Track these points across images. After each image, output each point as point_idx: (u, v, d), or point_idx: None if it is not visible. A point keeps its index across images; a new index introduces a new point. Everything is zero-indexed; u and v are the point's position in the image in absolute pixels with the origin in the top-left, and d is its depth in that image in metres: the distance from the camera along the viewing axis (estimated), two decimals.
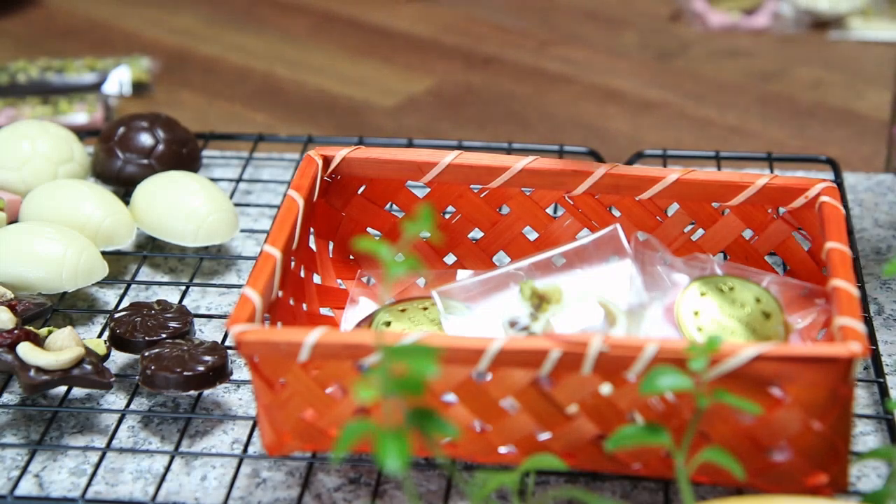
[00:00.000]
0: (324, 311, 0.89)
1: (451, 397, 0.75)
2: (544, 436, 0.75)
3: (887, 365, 0.90)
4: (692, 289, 0.81)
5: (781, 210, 0.87)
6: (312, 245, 0.90)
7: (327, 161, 0.90)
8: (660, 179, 0.87)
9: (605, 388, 0.73)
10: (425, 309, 0.87)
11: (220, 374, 0.84)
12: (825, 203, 0.84)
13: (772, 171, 1.08)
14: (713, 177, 0.87)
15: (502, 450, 0.76)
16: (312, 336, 0.73)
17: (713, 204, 0.88)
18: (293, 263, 0.85)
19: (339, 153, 0.90)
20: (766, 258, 0.89)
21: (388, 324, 0.86)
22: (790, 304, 0.83)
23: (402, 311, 0.87)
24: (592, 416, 0.74)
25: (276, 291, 0.80)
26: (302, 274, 0.87)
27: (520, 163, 0.89)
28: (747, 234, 0.89)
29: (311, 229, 0.89)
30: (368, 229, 0.93)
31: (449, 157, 0.89)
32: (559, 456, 0.75)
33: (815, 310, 0.83)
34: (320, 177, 0.89)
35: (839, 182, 1.06)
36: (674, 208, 0.89)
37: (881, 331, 0.93)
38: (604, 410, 0.74)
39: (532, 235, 0.93)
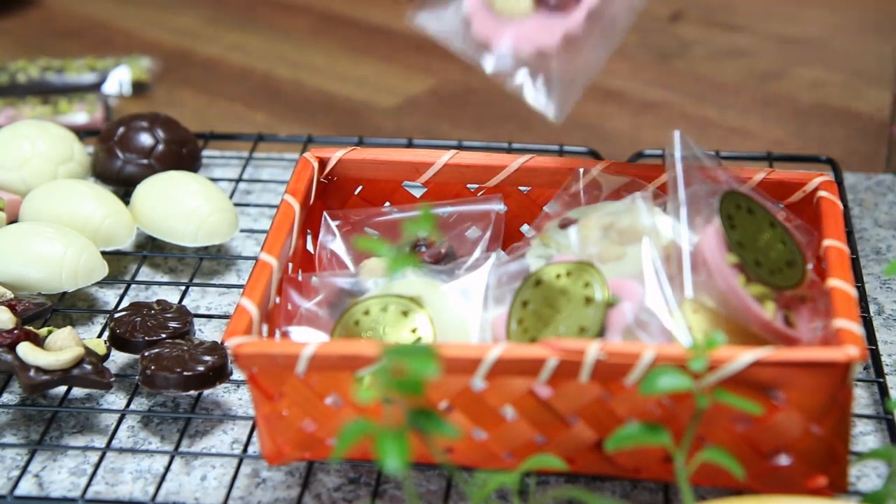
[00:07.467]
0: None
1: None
2: (543, 442, 0.75)
3: (887, 365, 0.90)
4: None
5: (779, 204, 0.87)
6: (310, 247, 0.90)
7: (323, 163, 0.90)
8: (657, 175, 0.87)
9: (604, 396, 0.73)
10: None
11: (220, 374, 0.84)
12: (822, 198, 0.84)
13: None
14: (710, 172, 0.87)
15: (502, 457, 0.76)
16: (310, 348, 0.73)
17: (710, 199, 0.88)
18: (290, 268, 0.85)
19: (335, 155, 0.90)
20: None
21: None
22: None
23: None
24: (591, 423, 0.74)
25: (273, 298, 0.80)
26: (300, 278, 0.87)
27: (516, 161, 0.89)
28: None
29: (309, 231, 0.89)
30: (366, 230, 0.92)
31: (445, 156, 0.89)
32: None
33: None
34: (316, 179, 0.89)
35: (839, 182, 1.06)
36: None
37: (881, 331, 0.93)
38: (602, 417, 0.74)
39: (530, 234, 0.93)
